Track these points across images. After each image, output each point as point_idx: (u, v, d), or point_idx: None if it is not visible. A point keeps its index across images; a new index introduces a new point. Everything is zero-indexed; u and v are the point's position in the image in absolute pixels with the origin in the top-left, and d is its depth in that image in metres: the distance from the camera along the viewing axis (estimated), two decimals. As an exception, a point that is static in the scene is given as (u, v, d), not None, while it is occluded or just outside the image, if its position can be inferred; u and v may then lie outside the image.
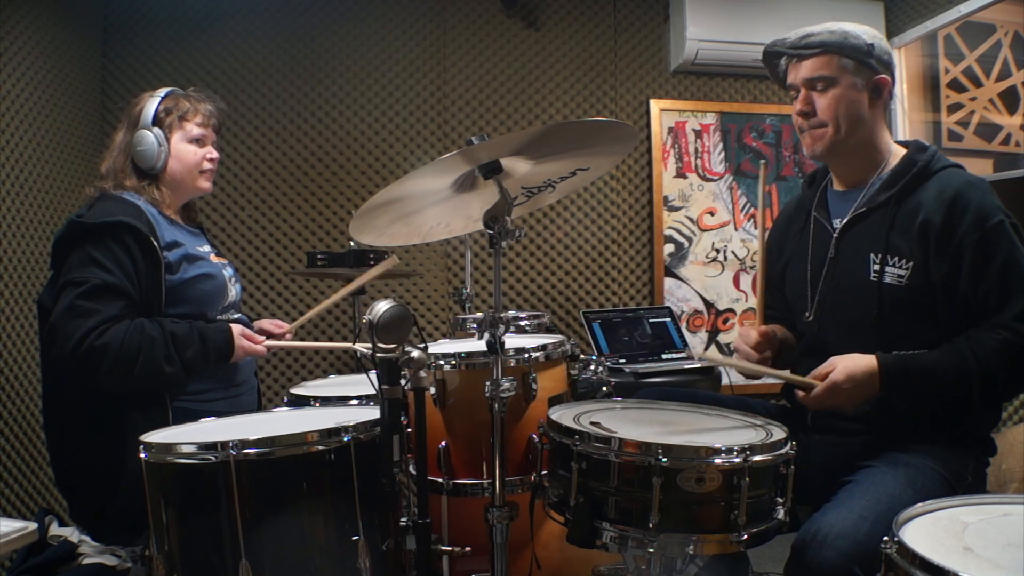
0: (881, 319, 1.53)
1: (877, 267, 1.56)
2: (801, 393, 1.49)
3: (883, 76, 1.61)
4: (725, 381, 3.08)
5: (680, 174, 3.62)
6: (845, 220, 1.64)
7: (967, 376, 1.42)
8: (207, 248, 1.98)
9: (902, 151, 1.64)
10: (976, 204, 1.48)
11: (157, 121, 1.87)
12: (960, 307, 1.49)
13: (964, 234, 1.47)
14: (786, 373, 1.57)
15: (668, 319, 3.13)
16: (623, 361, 2.96)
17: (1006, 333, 1.42)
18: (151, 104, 1.88)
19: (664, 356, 2.98)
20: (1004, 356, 1.41)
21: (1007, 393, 1.53)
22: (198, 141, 1.94)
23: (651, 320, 3.13)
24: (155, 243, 1.75)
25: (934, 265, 1.50)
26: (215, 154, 1.99)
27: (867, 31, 1.62)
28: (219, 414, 1.65)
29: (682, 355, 2.96)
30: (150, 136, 1.85)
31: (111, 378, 1.67)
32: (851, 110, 1.59)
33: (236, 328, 1.86)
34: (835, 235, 1.65)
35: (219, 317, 1.90)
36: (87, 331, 1.63)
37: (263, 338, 1.94)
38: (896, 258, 1.54)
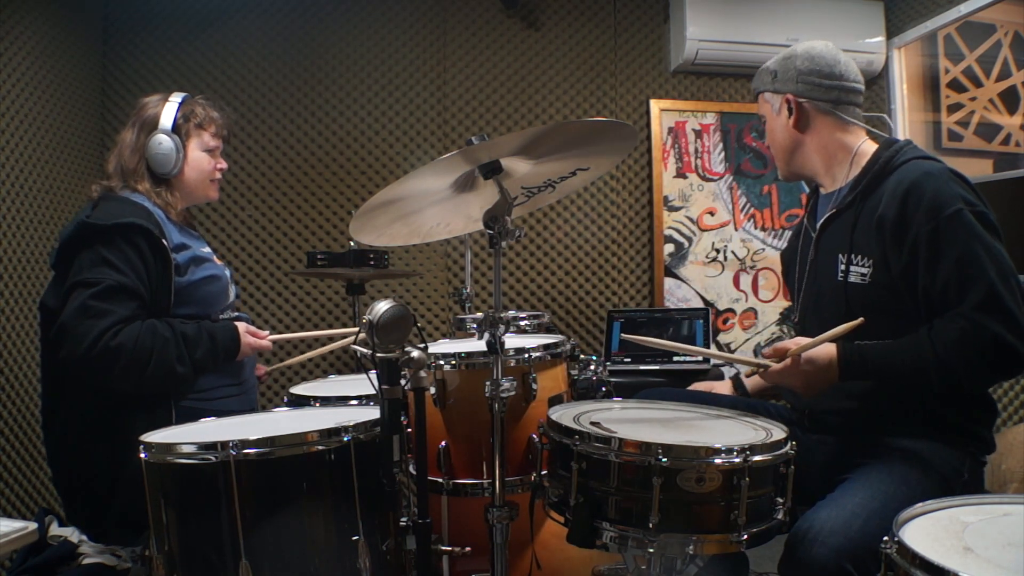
0: (848, 317, 1.51)
1: (843, 267, 1.57)
2: (760, 370, 1.51)
3: (786, 95, 1.68)
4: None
5: (680, 174, 3.62)
6: (820, 223, 1.68)
7: (925, 366, 1.41)
8: (208, 250, 2.00)
9: (873, 148, 1.65)
10: (930, 194, 1.45)
11: (176, 127, 1.89)
12: (923, 300, 1.48)
13: (918, 226, 1.45)
14: (739, 356, 1.62)
15: (700, 321, 3.02)
16: (628, 361, 2.94)
17: (965, 323, 1.39)
18: (169, 109, 1.90)
19: (676, 358, 2.94)
20: (962, 346, 1.39)
21: (967, 383, 1.50)
22: (211, 151, 1.98)
23: (681, 321, 3.04)
24: (165, 244, 1.77)
25: (892, 260, 1.49)
26: (224, 164, 2.04)
27: (787, 59, 1.69)
28: (225, 412, 1.66)
29: (697, 359, 2.92)
30: (169, 142, 1.87)
31: (124, 378, 1.67)
32: (779, 136, 1.73)
33: (242, 326, 1.90)
34: (814, 238, 1.69)
35: (222, 317, 1.92)
36: (101, 331, 1.64)
37: (266, 333, 1.97)
38: (859, 257, 1.55)
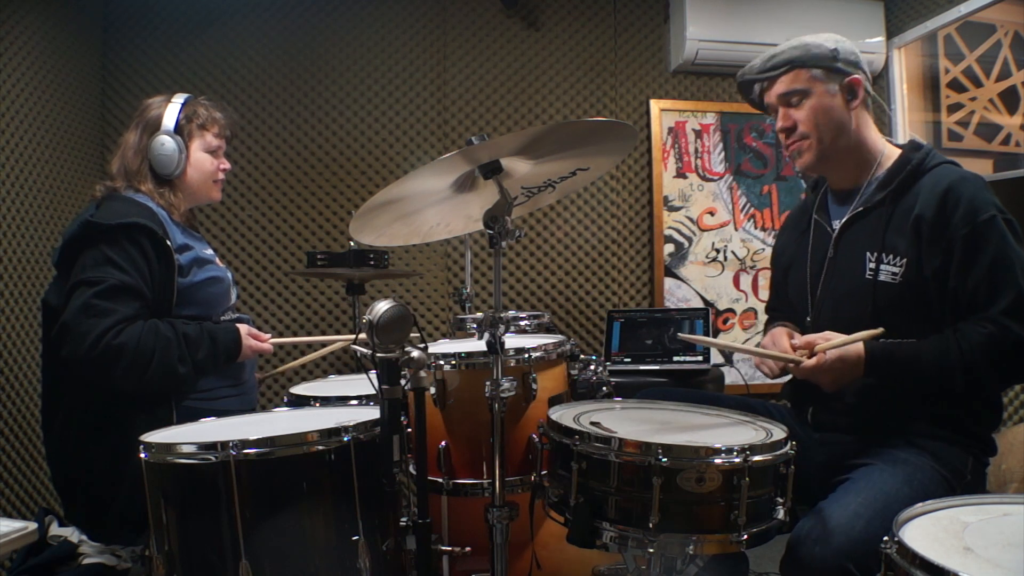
0: (875, 317, 1.53)
1: (872, 265, 1.57)
2: (792, 365, 1.53)
3: (854, 76, 1.62)
4: (728, 382, 3.06)
5: (680, 174, 3.62)
6: (843, 220, 1.66)
7: (950, 368, 1.44)
8: (211, 252, 2.00)
9: (896, 151, 1.66)
10: (968, 198, 1.48)
11: (178, 128, 1.89)
12: (951, 302, 1.50)
13: (955, 227, 1.48)
14: (773, 351, 1.60)
15: (700, 321, 3.01)
16: (628, 361, 2.93)
17: (992, 327, 1.43)
18: (172, 110, 1.90)
19: (676, 359, 2.91)
20: (988, 350, 1.43)
21: (990, 386, 1.55)
22: (213, 152, 1.98)
23: (681, 321, 3.02)
24: (169, 245, 1.77)
25: (927, 259, 1.51)
26: (227, 165, 2.04)
27: (830, 37, 1.65)
28: (225, 413, 1.66)
29: (698, 358, 2.90)
30: (171, 143, 1.88)
31: (126, 378, 1.67)
32: (829, 116, 1.63)
33: (243, 328, 1.90)
34: (834, 235, 1.67)
35: (223, 318, 1.93)
36: (104, 330, 1.64)
37: (268, 335, 1.97)
38: (891, 256, 1.55)
